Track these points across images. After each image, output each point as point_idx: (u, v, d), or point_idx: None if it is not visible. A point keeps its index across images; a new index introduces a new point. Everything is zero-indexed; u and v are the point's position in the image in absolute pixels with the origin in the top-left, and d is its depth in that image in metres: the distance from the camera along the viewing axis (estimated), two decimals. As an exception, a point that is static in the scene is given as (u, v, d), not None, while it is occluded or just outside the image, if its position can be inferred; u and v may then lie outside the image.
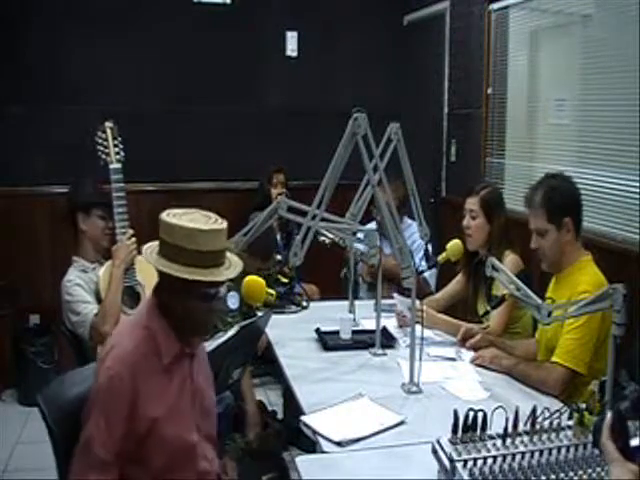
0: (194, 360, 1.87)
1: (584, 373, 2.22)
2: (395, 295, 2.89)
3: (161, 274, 1.76)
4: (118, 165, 2.78)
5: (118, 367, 1.68)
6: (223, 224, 1.74)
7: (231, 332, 2.73)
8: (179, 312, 1.76)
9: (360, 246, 3.34)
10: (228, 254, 1.79)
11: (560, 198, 2.38)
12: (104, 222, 2.85)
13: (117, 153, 2.79)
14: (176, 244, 1.69)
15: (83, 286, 2.77)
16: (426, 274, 3.51)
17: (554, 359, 2.25)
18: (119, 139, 2.78)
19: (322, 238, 3.32)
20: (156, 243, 1.78)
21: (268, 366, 3.69)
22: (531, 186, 2.48)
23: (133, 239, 2.78)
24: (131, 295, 2.79)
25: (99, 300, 2.73)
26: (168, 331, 1.78)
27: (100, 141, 2.79)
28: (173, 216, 1.73)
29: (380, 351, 2.60)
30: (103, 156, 2.78)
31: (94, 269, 2.84)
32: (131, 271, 2.78)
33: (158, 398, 1.74)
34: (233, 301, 2.77)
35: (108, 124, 2.80)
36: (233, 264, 1.79)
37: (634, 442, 1.09)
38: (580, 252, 2.41)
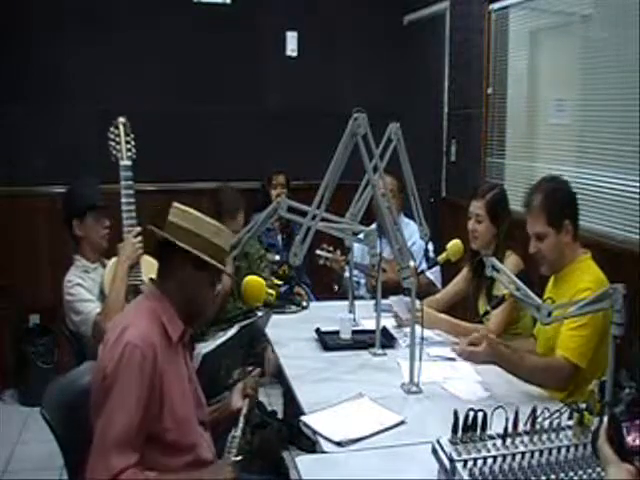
0: (186, 349, 1.93)
1: (585, 368, 2.22)
2: (390, 297, 2.88)
3: (180, 260, 1.82)
4: (129, 162, 2.74)
5: (140, 343, 1.70)
6: None
7: (231, 332, 2.73)
8: (189, 296, 1.84)
9: (358, 252, 3.33)
10: None
11: (559, 201, 2.38)
12: (98, 223, 2.81)
13: (129, 150, 2.75)
14: (206, 237, 1.82)
15: (84, 285, 2.75)
16: (430, 275, 3.50)
17: (565, 354, 2.22)
18: (131, 136, 2.75)
19: (320, 255, 3.33)
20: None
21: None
22: (529, 190, 2.47)
23: (140, 237, 2.75)
24: (135, 294, 2.76)
25: (104, 297, 2.72)
26: (172, 311, 1.83)
27: (112, 137, 2.74)
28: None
29: (380, 351, 2.60)
30: (114, 152, 2.74)
31: (95, 269, 2.83)
32: (136, 270, 2.75)
33: (174, 376, 1.79)
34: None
35: (121, 120, 2.75)
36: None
37: (629, 443, 1.10)
38: (578, 251, 2.41)
